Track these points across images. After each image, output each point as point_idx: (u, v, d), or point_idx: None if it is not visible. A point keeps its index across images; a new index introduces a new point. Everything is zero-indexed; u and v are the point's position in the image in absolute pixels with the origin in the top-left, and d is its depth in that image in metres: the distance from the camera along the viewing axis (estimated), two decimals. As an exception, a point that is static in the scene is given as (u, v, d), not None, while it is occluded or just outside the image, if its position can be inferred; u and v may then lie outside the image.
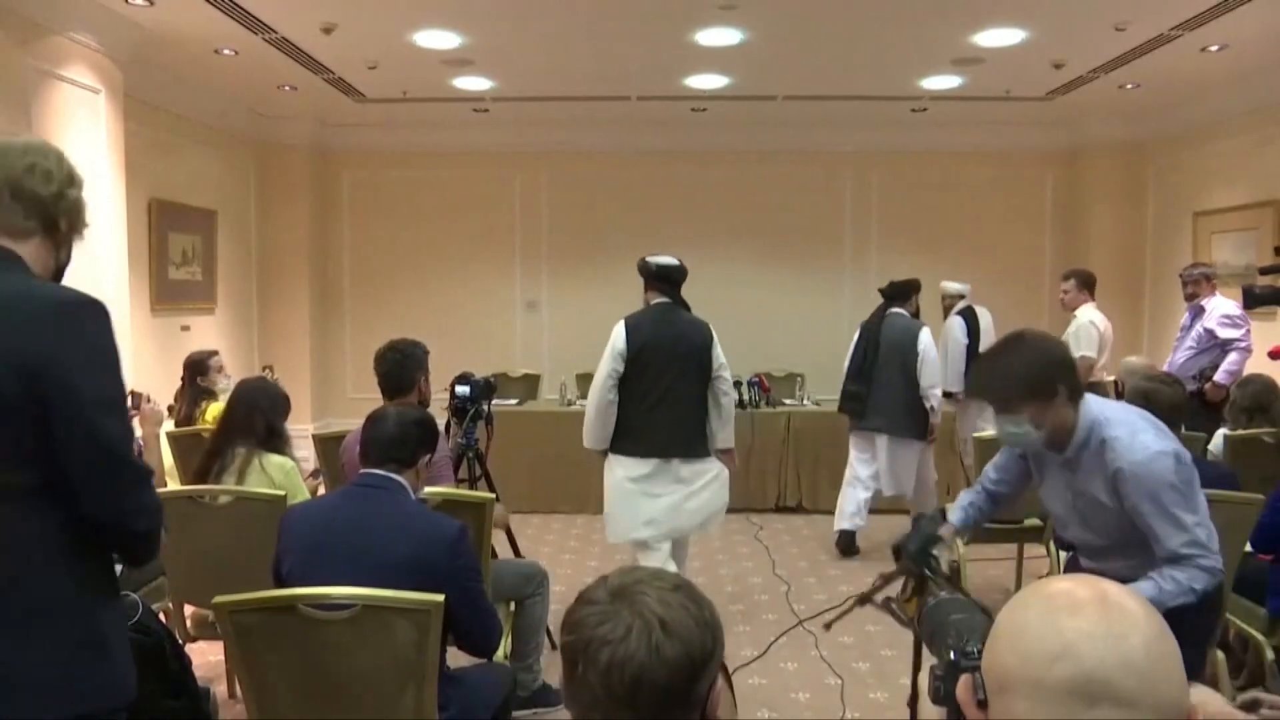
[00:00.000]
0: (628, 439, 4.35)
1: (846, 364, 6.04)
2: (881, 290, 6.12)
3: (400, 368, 3.69)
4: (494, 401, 4.60)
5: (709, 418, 4.43)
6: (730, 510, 6.87)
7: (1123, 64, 6.69)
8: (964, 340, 6.61)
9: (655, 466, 4.34)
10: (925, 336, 5.75)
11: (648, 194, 9.09)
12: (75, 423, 1.56)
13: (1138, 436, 2.43)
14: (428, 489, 2.96)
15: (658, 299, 4.58)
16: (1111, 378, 6.33)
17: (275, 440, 3.61)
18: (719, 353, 4.47)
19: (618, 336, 4.38)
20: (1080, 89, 7.42)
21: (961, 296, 6.91)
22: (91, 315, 1.60)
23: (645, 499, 4.36)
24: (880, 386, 5.79)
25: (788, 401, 7.45)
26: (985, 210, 9.06)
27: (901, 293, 6.00)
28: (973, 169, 9.01)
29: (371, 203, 9.13)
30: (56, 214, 1.70)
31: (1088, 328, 6.08)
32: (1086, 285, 6.33)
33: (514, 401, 7.43)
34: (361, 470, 2.63)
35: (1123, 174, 8.60)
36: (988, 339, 6.53)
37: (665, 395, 4.30)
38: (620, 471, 4.39)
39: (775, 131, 8.81)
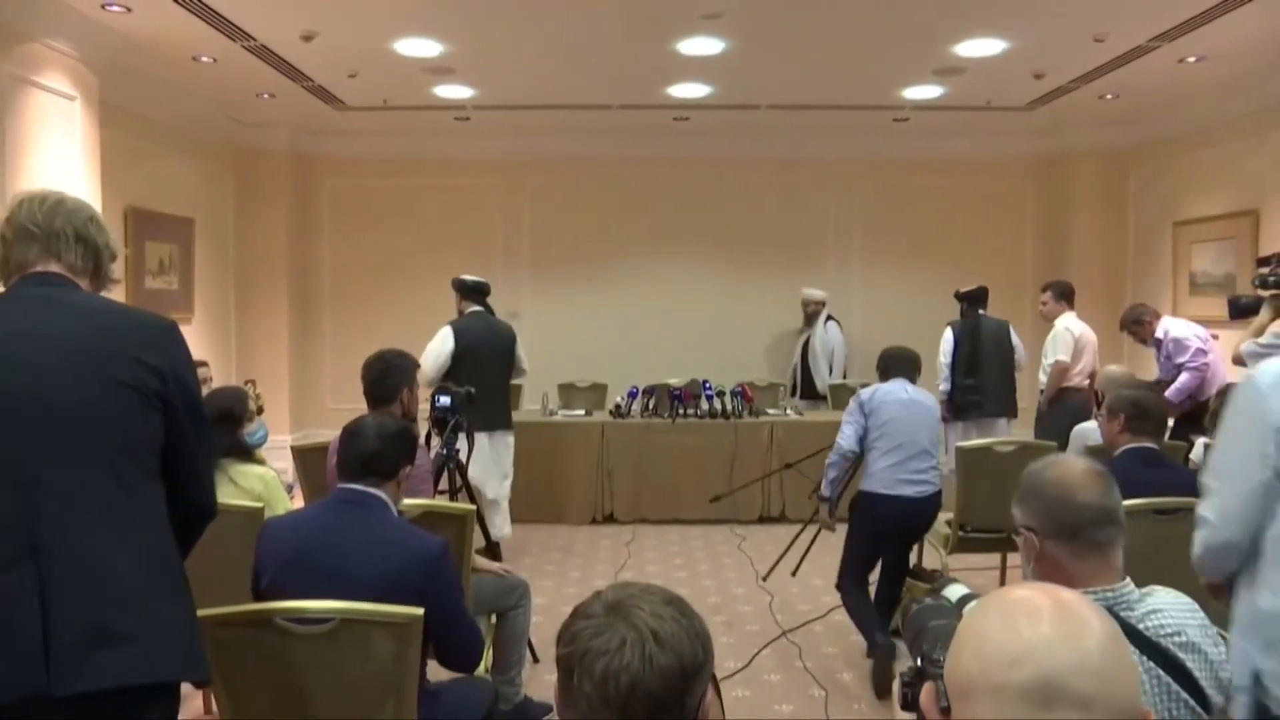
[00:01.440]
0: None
1: (947, 365, 6.38)
2: (961, 296, 6.60)
3: (383, 376, 3.69)
4: (475, 412, 4.60)
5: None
6: (714, 521, 6.96)
7: (1102, 74, 6.76)
8: (844, 347, 7.65)
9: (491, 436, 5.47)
10: (1014, 331, 6.63)
11: (629, 203, 9.10)
12: (192, 422, 1.95)
13: None
14: (406, 500, 2.94)
15: (472, 308, 5.72)
16: (1085, 384, 6.46)
17: (247, 451, 3.57)
18: (519, 348, 5.82)
19: (447, 338, 5.45)
20: (1061, 99, 7.49)
21: (824, 303, 8.00)
22: (182, 336, 2.02)
23: (493, 463, 5.56)
24: (989, 378, 6.38)
25: (770, 411, 7.46)
26: (967, 219, 9.12)
27: (982, 297, 6.66)
28: (955, 178, 9.07)
29: (351, 211, 9.10)
30: (102, 261, 2.03)
31: (1063, 334, 6.34)
32: (1064, 296, 6.55)
33: (495, 412, 7.40)
34: (340, 485, 2.60)
35: (1103, 183, 8.67)
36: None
37: (485, 383, 5.06)
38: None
39: (757, 141, 8.84)
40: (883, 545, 4.39)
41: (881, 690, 4.00)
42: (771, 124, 8.47)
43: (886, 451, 4.27)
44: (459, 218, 9.07)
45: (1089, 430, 4.67)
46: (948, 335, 6.49)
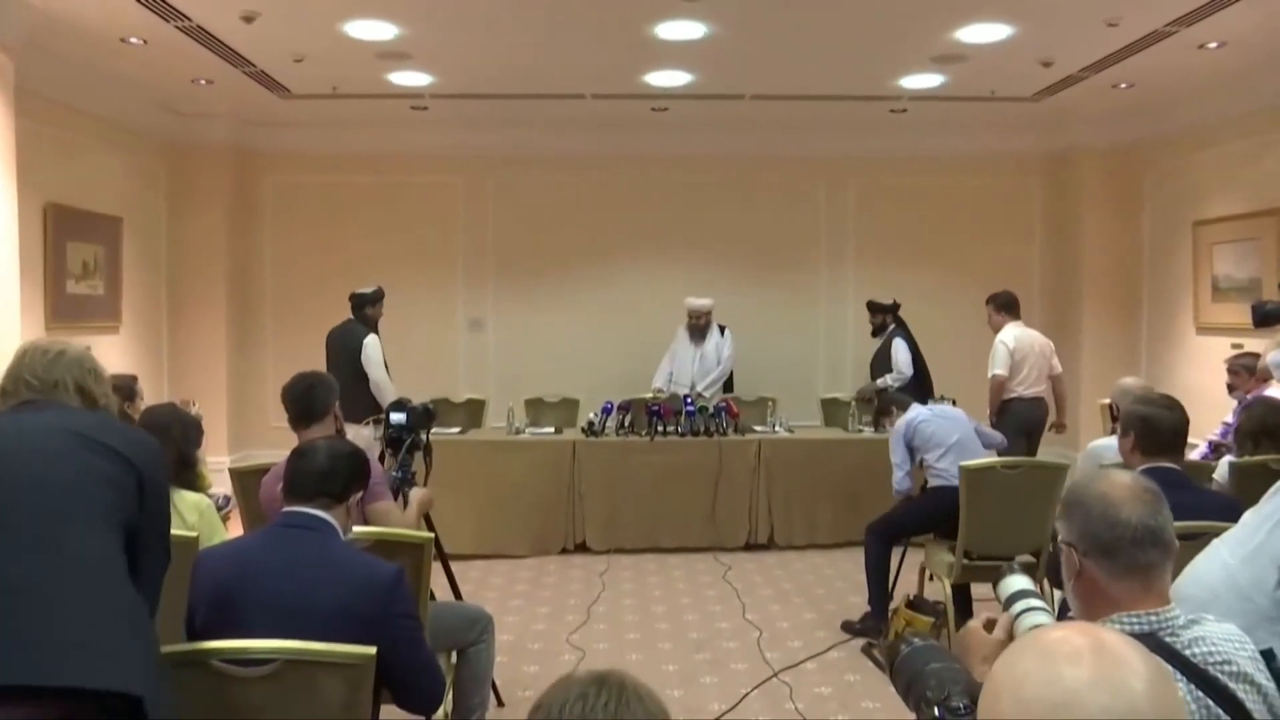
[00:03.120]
0: None
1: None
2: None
3: (310, 390, 3.73)
4: (433, 430, 4.60)
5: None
6: (696, 549, 6.95)
7: (1115, 62, 6.83)
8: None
9: None
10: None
11: (603, 202, 9.11)
12: (158, 515, 2.29)
13: None
14: (359, 529, 2.92)
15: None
16: (1033, 392, 6.80)
17: (186, 473, 3.55)
18: (369, 353, 6.81)
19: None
20: (1070, 89, 7.57)
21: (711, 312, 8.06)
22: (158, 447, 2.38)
23: None
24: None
25: (758, 428, 7.46)
26: (969, 219, 9.19)
27: (895, 308, 7.76)
28: (956, 175, 9.14)
29: (297, 211, 9.06)
30: (96, 404, 2.40)
31: (999, 348, 6.79)
32: (1005, 307, 6.96)
33: (456, 430, 7.37)
34: (286, 509, 2.58)
35: (1116, 180, 8.76)
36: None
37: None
38: None
39: (742, 134, 8.88)
40: (939, 525, 5.09)
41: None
42: (758, 116, 8.51)
43: (943, 454, 5.12)
44: (416, 218, 9.05)
45: (1103, 447, 4.69)
46: (903, 345, 7.51)
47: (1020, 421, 6.72)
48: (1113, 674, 1.04)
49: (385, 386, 6.79)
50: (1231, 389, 6.05)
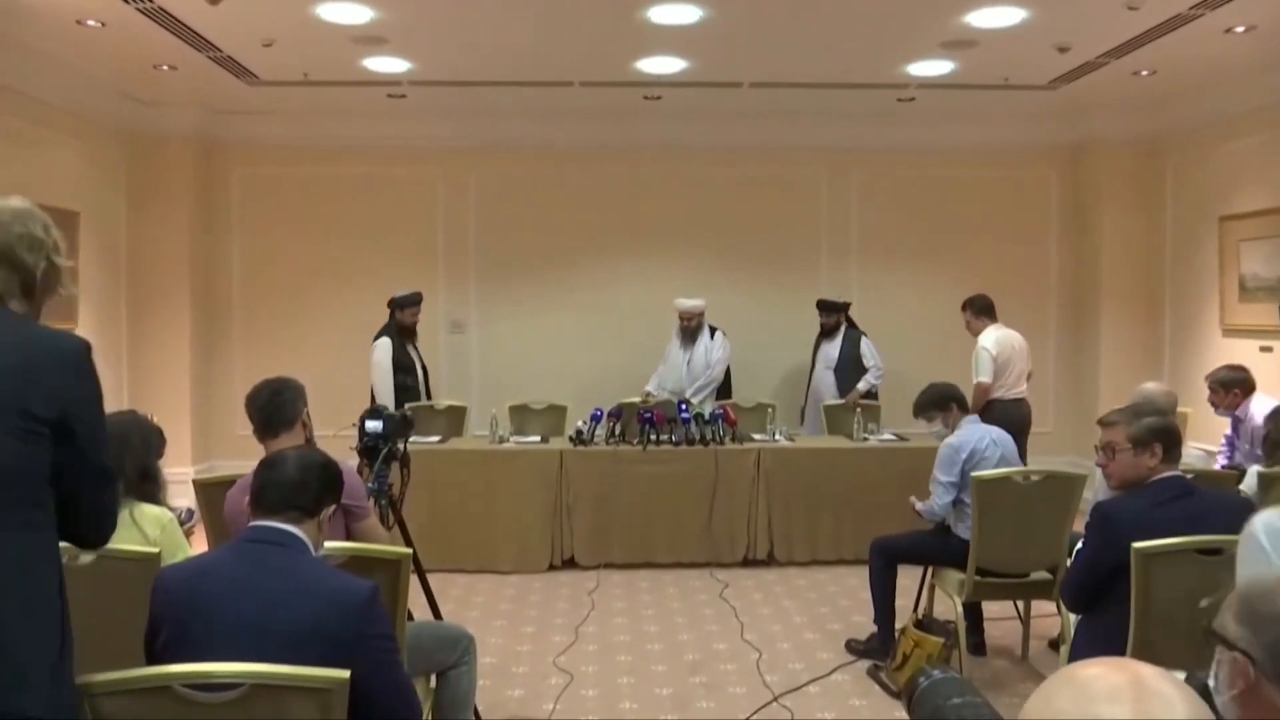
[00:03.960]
0: None
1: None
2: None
3: (277, 396, 3.73)
4: (411, 439, 4.57)
5: None
6: (691, 565, 6.95)
7: (1136, 47, 6.84)
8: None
9: None
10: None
11: (593, 196, 9.12)
12: (90, 452, 2.10)
13: None
14: (331, 544, 2.91)
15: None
16: (1015, 394, 7.01)
17: (148, 485, 3.54)
18: (374, 355, 7.40)
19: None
20: (1088, 76, 7.58)
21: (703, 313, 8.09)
22: (91, 359, 2.13)
23: None
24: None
25: (757, 437, 7.46)
26: (981, 215, 9.22)
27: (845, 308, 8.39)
28: (967, 168, 9.17)
29: (266, 206, 9.05)
30: (35, 280, 2.15)
31: (981, 354, 7.06)
32: (984, 311, 7.26)
33: (435, 439, 7.36)
34: (253, 523, 2.58)
35: (1137, 173, 8.80)
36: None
37: None
38: None
39: (740, 124, 8.89)
40: (953, 565, 4.93)
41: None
42: (756, 105, 8.52)
43: None
44: (394, 213, 9.05)
45: None
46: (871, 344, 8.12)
47: (1004, 425, 6.72)
48: (1154, 712, 1.04)
49: (380, 391, 7.32)
50: (1215, 405, 6.06)
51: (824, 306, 8.35)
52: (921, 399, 5.27)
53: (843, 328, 8.28)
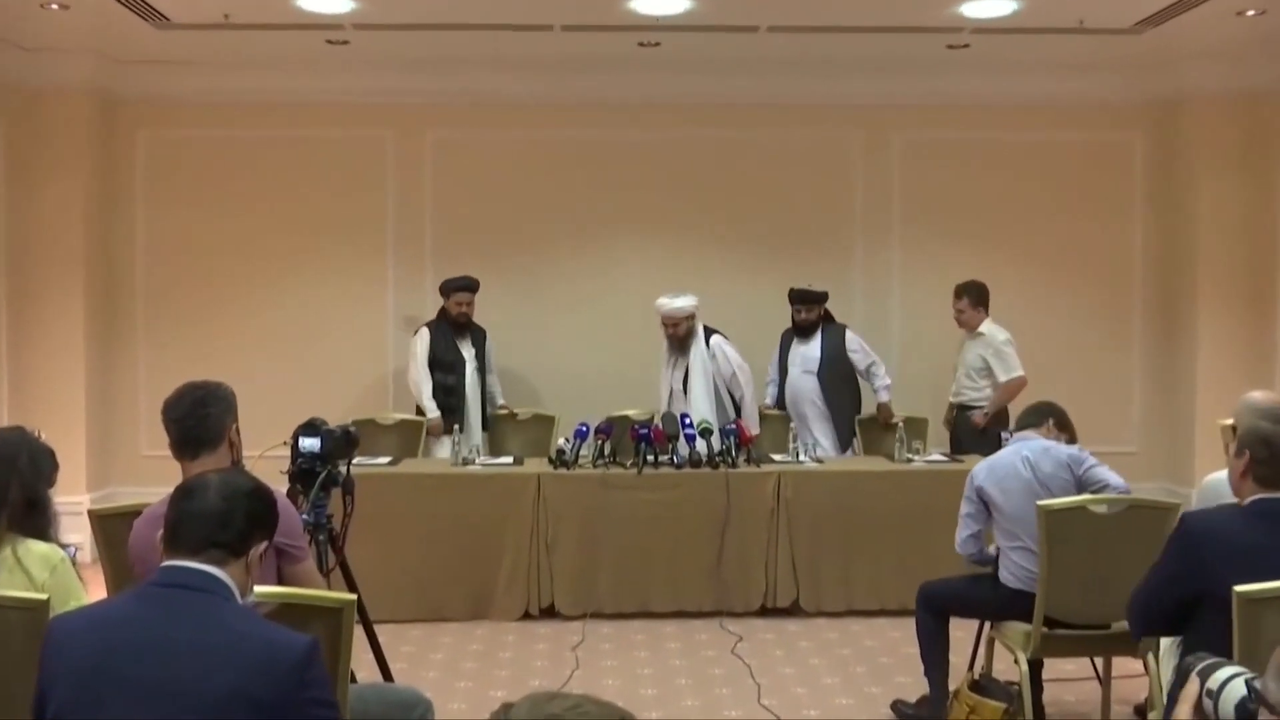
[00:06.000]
0: None
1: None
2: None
3: (199, 406, 3.67)
4: (356, 460, 4.59)
5: None
6: (697, 614, 6.94)
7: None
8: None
9: None
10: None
11: (576, 164, 9.12)
12: None
13: None
14: (262, 589, 2.91)
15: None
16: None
17: (36, 518, 3.55)
18: (412, 345, 7.96)
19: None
20: (1181, 17, 7.58)
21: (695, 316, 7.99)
22: None
23: None
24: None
25: (777, 458, 7.46)
26: (1049, 186, 9.22)
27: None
28: (1032, 129, 9.18)
29: (178, 176, 9.04)
30: None
31: (1002, 347, 7.53)
32: (982, 300, 7.70)
33: (385, 460, 7.36)
34: (166, 563, 2.58)
35: (1241, 135, 8.80)
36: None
37: None
38: None
39: (756, 76, 8.89)
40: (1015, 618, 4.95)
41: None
42: (775, 52, 8.53)
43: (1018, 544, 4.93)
44: (334, 185, 9.05)
45: (1223, 483, 4.71)
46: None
47: (984, 438, 7.29)
48: None
49: (414, 384, 8.07)
50: None
51: (802, 298, 8.14)
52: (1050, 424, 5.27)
53: (821, 322, 8.24)
